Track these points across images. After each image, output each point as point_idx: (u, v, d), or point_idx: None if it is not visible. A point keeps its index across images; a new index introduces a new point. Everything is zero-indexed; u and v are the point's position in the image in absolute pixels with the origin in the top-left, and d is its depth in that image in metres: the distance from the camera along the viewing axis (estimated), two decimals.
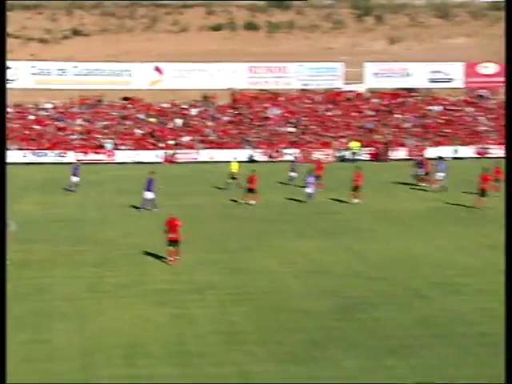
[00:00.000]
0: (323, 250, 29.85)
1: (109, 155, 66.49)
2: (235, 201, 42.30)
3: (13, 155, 58.26)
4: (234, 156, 58.39)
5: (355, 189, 42.29)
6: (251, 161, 66.64)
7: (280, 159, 66.52)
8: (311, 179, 42.44)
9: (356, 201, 41.87)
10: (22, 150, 64.20)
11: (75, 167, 47.58)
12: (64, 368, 17.19)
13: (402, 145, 69.37)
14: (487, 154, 68.53)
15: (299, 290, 23.99)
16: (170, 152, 66.99)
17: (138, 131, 70.64)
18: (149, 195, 39.24)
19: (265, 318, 20.95)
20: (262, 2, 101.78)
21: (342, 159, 66.01)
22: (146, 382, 16.29)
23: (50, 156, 64.59)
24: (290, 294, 23.57)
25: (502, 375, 16.51)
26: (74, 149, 66.10)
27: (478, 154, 68.43)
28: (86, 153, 65.19)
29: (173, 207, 40.03)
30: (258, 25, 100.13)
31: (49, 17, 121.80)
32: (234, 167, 48.35)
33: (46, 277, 25.71)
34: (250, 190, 41.66)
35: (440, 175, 46.87)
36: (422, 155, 62.47)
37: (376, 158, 67.13)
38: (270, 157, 67.59)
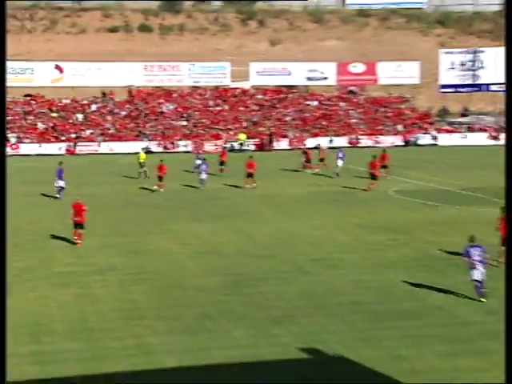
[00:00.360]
0: (215, 232, 29.88)
1: (13, 148, 64.58)
2: (145, 188, 41.86)
3: None
4: (142, 147, 58.37)
5: (249, 175, 42.50)
6: (148, 152, 65.98)
7: (174, 150, 66.23)
8: (204, 167, 42.58)
9: (248, 186, 42.07)
10: None
11: None
12: None
13: (284, 136, 70.19)
14: (358, 143, 70.17)
15: (194, 269, 23.94)
16: (72, 144, 65.70)
17: (40, 125, 68.87)
18: (61, 183, 38.70)
19: (162, 295, 20.81)
20: (155, 6, 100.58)
21: (231, 149, 66.24)
22: (49, 357, 15.88)
23: None
24: (185, 272, 23.49)
25: (373, 339, 16.94)
26: None
27: (350, 143, 69.95)
28: None
29: (76, 196, 39.25)
30: (152, 27, 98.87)
31: None
32: (142, 157, 47.85)
33: None
34: (160, 178, 41.38)
35: (340, 163, 47.56)
36: (304, 145, 63.46)
37: (261, 147, 67.67)
38: (165, 148, 67.17)
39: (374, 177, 41.31)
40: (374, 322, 18.19)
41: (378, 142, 69.96)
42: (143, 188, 41.86)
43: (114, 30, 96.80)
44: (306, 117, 74.72)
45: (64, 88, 74.50)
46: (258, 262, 24.74)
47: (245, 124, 72.13)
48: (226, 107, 75.43)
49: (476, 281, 19.72)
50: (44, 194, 38.95)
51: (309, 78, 78.93)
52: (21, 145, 65.05)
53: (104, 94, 75.83)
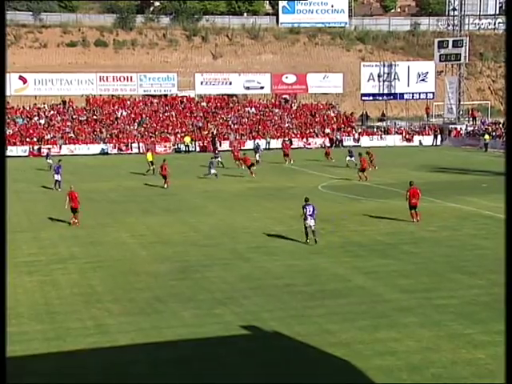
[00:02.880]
0: (164, 224, 29.65)
1: None
2: (150, 185, 41.52)
3: None
4: (148, 148, 58.34)
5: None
6: (104, 153, 65.33)
7: (128, 152, 65.49)
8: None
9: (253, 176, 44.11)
10: None
11: None
12: None
13: (226, 138, 70.05)
14: (291, 145, 70.37)
15: (145, 257, 23.73)
16: (35, 147, 64.42)
17: (7, 130, 67.28)
18: (57, 177, 39.62)
19: (118, 280, 20.57)
20: (110, 24, 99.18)
21: (178, 151, 65.95)
22: (16, 338, 15.51)
23: None
24: (138, 260, 23.26)
25: (304, 316, 17.06)
26: None
27: (283, 145, 70.05)
28: None
29: (38, 193, 38.61)
30: (107, 42, 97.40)
31: None
32: (149, 157, 47.38)
33: None
34: (164, 176, 40.89)
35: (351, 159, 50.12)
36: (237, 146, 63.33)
37: (204, 149, 67.36)
38: (120, 150, 66.36)
39: (363, 170, 43.26)
40: (305, 301, 18.33)
41: (308, 144, 70.44)
42: (147, 184, 41.17)
43: (72, 44, 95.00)
44: (245, 122, 74.74)
45: (28, 97, 72.97)
46: (203, 250, 24.67)
47: (190, 128, 71.78)
48: (174, 113, 74.89)
49: (307, 227, 24.54)
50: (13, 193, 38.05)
51: (247, 88, 78.86)
52: None
53: (64, 102, 74.54)
